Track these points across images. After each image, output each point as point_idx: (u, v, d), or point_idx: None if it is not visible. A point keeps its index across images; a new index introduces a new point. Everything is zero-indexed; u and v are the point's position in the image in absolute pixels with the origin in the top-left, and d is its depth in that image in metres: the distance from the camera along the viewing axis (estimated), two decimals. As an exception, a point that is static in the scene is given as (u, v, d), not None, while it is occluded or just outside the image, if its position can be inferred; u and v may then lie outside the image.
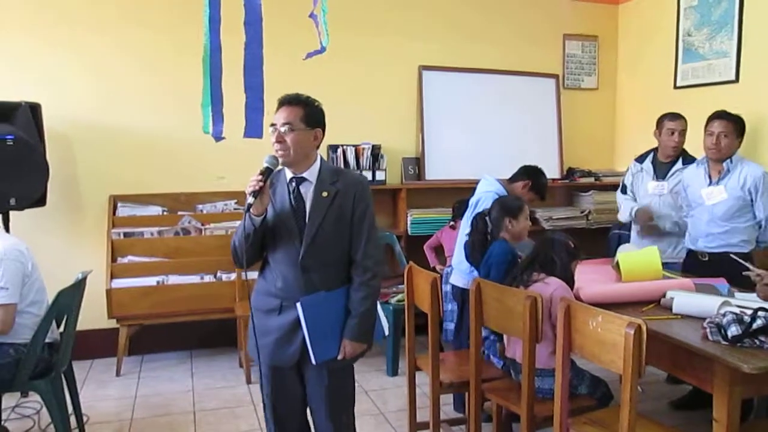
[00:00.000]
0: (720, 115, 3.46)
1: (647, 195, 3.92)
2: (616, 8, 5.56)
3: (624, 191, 4.13)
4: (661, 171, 3.89)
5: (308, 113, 2.24)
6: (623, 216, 4.08)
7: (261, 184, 2.13)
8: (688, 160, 3.81)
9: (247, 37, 3.07)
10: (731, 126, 3.42)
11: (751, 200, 3.39)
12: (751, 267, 2.83)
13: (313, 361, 2.26)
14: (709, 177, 3.51)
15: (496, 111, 5.20)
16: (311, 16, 2.91)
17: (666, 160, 3.90)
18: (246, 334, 3.92)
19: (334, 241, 2.27)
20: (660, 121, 3.92)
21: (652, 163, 3.95)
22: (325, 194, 2.26)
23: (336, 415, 2.36)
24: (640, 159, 4.04)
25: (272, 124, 2.23)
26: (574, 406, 2.56)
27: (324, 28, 2.87)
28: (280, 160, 2.22)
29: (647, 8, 5.24)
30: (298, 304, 2.23)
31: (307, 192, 2.27)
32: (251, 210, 2.15)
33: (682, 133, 3.84)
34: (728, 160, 3.44)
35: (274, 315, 2.29)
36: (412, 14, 4.98)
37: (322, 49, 2.95)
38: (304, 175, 2.27)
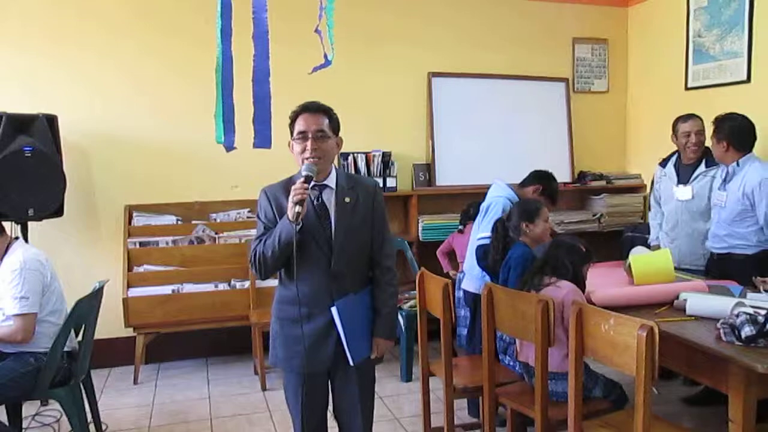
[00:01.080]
0: (721, 124, 3.47)
1: (672, 200, 3.82)
2: (626, 11, 5.55)
3: (656, 201, 4.07)
4: (684, 175, 3.78)
5: (332, 121, 2.29)
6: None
7: (307, 192, 2.14)
8: (712, 162, 3.66)
9: (256, 50, 3.12)
10: (715, 132, 3.45)
11: (751, 205, 3.33)
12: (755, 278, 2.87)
13: (351, 363, 2.30)
14: (723, 180, 3.51)
15: (506, 116, 5.21)
16: (316, 31, 2.94)
17: (688, 163, 3.78)
18: (261, 341, 3.98)
19: (359, 245, 2.32)
20: (674, 125, 3.85)
21: (675, 166, 3.86)
22: (347, 200, 2.29)
23: (365, 415, 2.42)
24: (663, 163, 3.97)
25: (300, 132, 2.23)
26: (589, 409, 2.56)
27: (330, 42, 2.90)
28: (317, 167, 2.21)
29: (657, 10, 5.23)
30: (333, 309, 2.25)
31: (330, 199, 2.29)
32: (291, 218, 2.14)
33: (699, 133, 3.72)
34: (734, 164, 3.41)
35: (303, 322, 2.28)
36: (420, 22, 5.01)
37: (328, 63, 2.98)
38: (326, 182, 2.29)
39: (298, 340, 2.29)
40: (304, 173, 2.18)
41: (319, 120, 2.25)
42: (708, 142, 3.66)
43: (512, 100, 5.23)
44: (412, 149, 5.05)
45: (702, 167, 3.72)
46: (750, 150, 3.45)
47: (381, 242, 2.37)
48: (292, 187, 2.15)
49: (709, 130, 3.58)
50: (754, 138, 3.47)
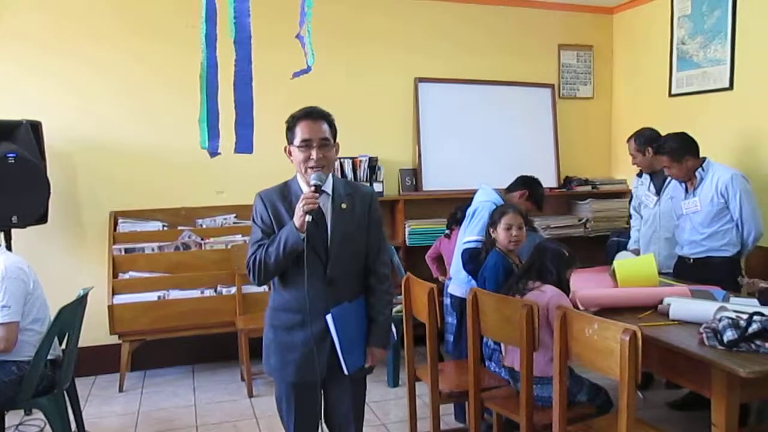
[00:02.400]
0: (659, 150, 3.56)
1: (649, 207, 3.95)
2: (611, 18, 5.60)
3: (634, 210, 4.20)
4: (657, 181, 3.92)
5: (332, 127, 2.28)
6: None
7: (317, 202, 2.13)
8: None
9: (238, 55, 3.10)
10: (666, 159, 3.49)
11: (726, 203, 3.45)
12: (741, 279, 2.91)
13: (346, 372, 2.27)
14: (686, 188, 3.61)
15: (492, 121, 5.24)
16: (298, 37, 2.93)
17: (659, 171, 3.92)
18: (248, 347, 3.96)
19: (354, 252, 2.30)
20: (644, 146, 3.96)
21: (649, 175, 3.99)
22: (344, 206, 2.27)
23: (358, 423, 2.42)
24: (640, 173, 4.10)
25: (305, 140, 2.20)
26: (574, 413, 2.57)
27: (309, 48, 2.89)
28: (324, 176, 2.20)
29: (641, 17, 5.29)
30: (328, 317, 2.22)
31: (326, 205, 2.26)
32: (297, 227, 2.13)
33: (633, 156, 3.94)
34: (700, 169, 3.50)
35: (296, 331, 2.26)
36: (407, 27, 5.03)
37: (308, 69, 2.97)
38: (323, 188, 2.24)
39: (292, 347, 2.26)
40: (313, 182, 2.15)
41: (322, 127, 2.23)
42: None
43: (499, 105, 5.26)
44: (399, 154, 5.06)
45: None
46: (699, 154, 3.55)
47: (377, 250, 2.35)
48: (303, 196, 2.13)
49: (697, 133, 3.63)
50: (696, 143, 3.55)
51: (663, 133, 3.79)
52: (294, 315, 2.26)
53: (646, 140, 3.89)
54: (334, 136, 2.29)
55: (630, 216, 4.32)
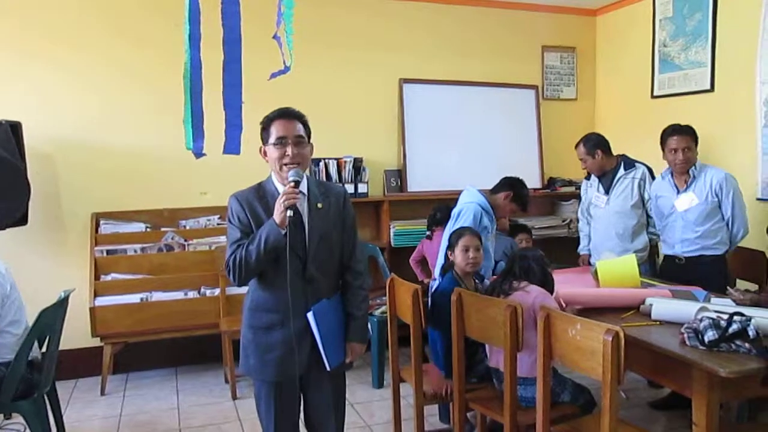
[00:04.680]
0: (677, 130, 3.60)
1: (599, 207, 4.05)
2: (594, 20, 5.64)
3: (581, 213, 4.33)
4: (606, 181, 4.01)
5: (306, 127, 2.33)
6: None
7: (297, 197, 2.15)
8: (630, 165, 3.97)
9: (227, 56, 3.09)
10: (688, 139, 3.57)
11: (719, 202, 3.55)
12: (731, 291, 2.98)
13: (328, 368, 2.31)
14: (676, 187, 3.66)
15: (476, 122, 5.25)
16: (275, 37, 2.93)
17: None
18: (231, 349, 3.94)
19: (332, 249, 2.34)
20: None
21: (598, 177, 4.09)
22: (320, 205, 2.31)
23: (338, 418, 2.44)
24: (588, 176, 4.21)
25: (280, 137, 2.23)
26: (557, 413, 2.59)
27: (288, 48, 2.89)
28: (302, 173, 2.24)
29: (624, 20, 5.33)
30: (310, 314, 2.25)
31: (302, 204, 2.28)
32: (278, 224, 2.15)
33: (583, 161, 4.05)
34: (693, 168, 3.60)
35: (276, 330, 2.28)
36: (391, 28, 5.03)
37: (286, 69, 2.97)
38: (299, 188, 2.27)
39: (270, 347, 2.28)
40: (291, 178, 2.19)
41: (298, 126, 2.28)
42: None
43: (483, 106, 5.28)
44: (384, 155, 5.06)
45: (621, 171, 3.97)
46: None
47: (352, 247, 2.40)
48: (283, 191, 2.17)
49: (655, 140, 3.72)
50: None
51: (646, 133, 3.85)
52: (273, 314, 2.29)
53: (595, 144, 3.99)
54: (309, 136, 2.33)
55: (577, 221, 4.46)
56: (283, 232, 2.15)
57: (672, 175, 3.70)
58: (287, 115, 2.28)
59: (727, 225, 3.58)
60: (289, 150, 2.23)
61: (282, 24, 2.85)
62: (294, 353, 2.25)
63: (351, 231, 2.41)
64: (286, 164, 2.23)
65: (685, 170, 3.60)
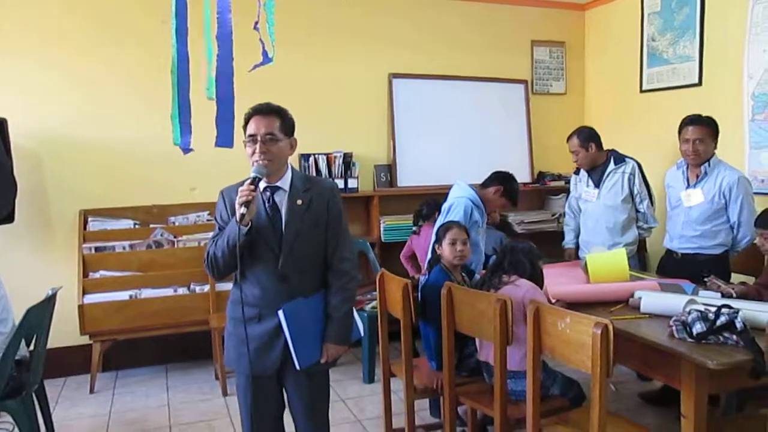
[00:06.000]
0: (693, 120, 3.48)
1: (590, 201, 4.03)
2: (583, 14, 5.65)
3: (569, 208, 4.31)
4: (595, 176, 3.99)
5: (285, 123, 2.29)
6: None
7: (253, 194, 2.14)
8: (620, 158, 3.94)
9: (219, 51, 3.09)
10: (705, 130, 3.44)
11: (725, 204, 3.45)
12: (715, 281, 2.97)
13: (297, 367, 2.29)
14: (687, 180, 3.59)
15: (466, 117, 5.25)
16: (256, 28, 2.92)
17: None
18: (221, 345, 3.92)
19: (310, 247, 2.31)
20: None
21: (586, 170, 4.07)
22: (299, 202, 2.29)
23: (317, 420, 2.41)
24: (577, 171, 4.18)
25: (250, 135, 2.24)
26: (547, 407, 2.59)
27: (270, 39, 2.88)
28: (266, 170, 2.22)
29: (613, 14, 5.34)
30: (280, 312, 2.25)
31: (282, 201, 2.29)
32: (242, 220, 2.15)
33: (575, 153, 4.00)
34: (706, 164, 3.49)
35: (253, 324, 2.30)
36: (381, 23, 5.02)
37: (268, 60, 2.96)
38: (278, 184, 2.30)
39: (245, 341, 2.30)
40: (251, 175, 2.19)
41: (270, 122, 2.25)
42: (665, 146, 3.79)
43: (473, 101, 5.28)
44: (374, 150, 5.05)
45: (611, 165, 3.93)
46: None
47: (335, 245, 2.35)
48: (239, 189, 2.16)
49: (666, 129, 3.66)
50: None
51: (635, 127, 3.85)
52: (250, 308, 2.30)
53: (588, 137, 3.96)
54: (289, 131, 2.30)
55: (563, 215, 4.44)
56: (245, 229, 2.16)
57: (687, 167, 3.59)
58: (261, 111, 2.27)
59: (732, 228, 3.48)
60: (257, 147, 2.22)
61: (263, 14, 2.85)
62: (269, 348, 2.27)
63: (335, 228, 2.35)
64: (255, 161, 2.23)
65: (696, 163, 3.49)
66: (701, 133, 3.44)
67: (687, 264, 3.53)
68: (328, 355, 2.34)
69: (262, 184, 2.28)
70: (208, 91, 3.08)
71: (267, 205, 2.28)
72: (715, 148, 3.51)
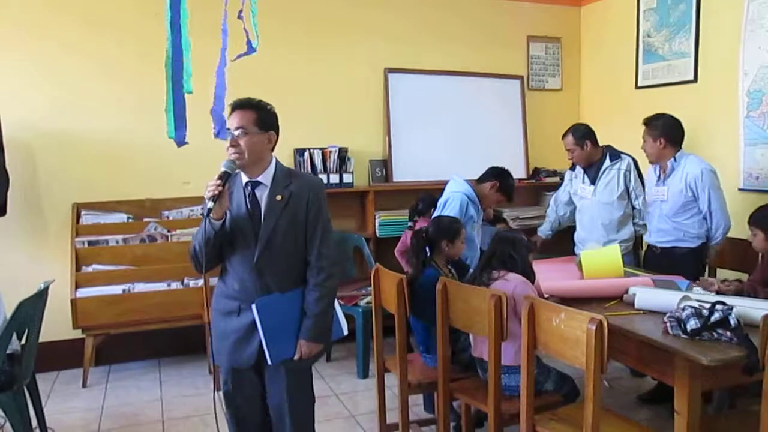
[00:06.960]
0: (644, 122, 3.69)
1: (585, 198, 4.02)
2: (579, 10, 5.64)
3: (555, 201, 4.34)
4: (591, 173, 3.97)
5: (261, 117, 2.28)
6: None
7: (220, 188, 2.16)
8: (615, 156, 3.90)
9: (222, 43, 3.09)
10: (646, 130, 3.64)
11: (694, 196, 3.56)
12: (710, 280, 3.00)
13: (269, 362, 2.31)
14: (659, 176, 3.74)
15: (462, 112, 5.24)
16: (240, 17, 2.91)
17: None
18: (215, 340, 3.92)
19: (288, 243, 2.31)
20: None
21: (583, 168, 4.05)
22: (279, 198, 2.29)
23: (295, 415, 2.39)
24: (573, 167, 4.17)
25: (227, 129, 2.26)
26: (541, 402, 2.60)
27: (254, 29, 2.87)
28: (237, 163, 2.24)
29: (608, 10, 5.34)
30: (253, 306, 2.27)
31: (262, 196, 2.30)
32: (211, 214, 2.18)
33: (571, 151, 3.97)
34: (672, 159, 3.62)
35: (233, 317, 2.33)
36: (377, 18, 4.99)
37: (252, 51, 2.95)
38: (259, 179, 2.31)
39: (227, 333, 2.34)
40: (221, 170, 2.21)
41: (245, 116, 2.25)
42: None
43: (468, 96, 5.27)
44: (369, 145, 5.04)
45: (607, 162, 3.92)
46: (681, 145, 3.68)
47: (315, 242, 2.33)
48: (207, 183, 2.18)
49: (638, 131, 3.76)
50: (683, 133, 3.70)
51: (630, 123, 3.86)
52: (230, 302, 2.34)
53: (583, 135, 3.94)
54: (266, 125, 2.29)
55: (548, 205, 4.46)
56: (218, 223, 2.20)
57: (659, 165, 3.75)
58: (240, 105, 2.28)
59: (705, 219, 3.59)
60: (228, 142, 2.24)
61: (246, 2, 2.84)
62: (245, 342, 2.30)
63: (314, 225, 2.32)
64: (231, 154, 2.23)
65: (650, 161, 3.70)
66: (644, 133, 3.65)
67: (666, 258, 3.63)
68: (302, 353, 2.33)
69: (244, 179, 2.30)
70: (186, 84, 3.07)
71: (247, 199, 2.29)
72: (675, 144, 3.63)
